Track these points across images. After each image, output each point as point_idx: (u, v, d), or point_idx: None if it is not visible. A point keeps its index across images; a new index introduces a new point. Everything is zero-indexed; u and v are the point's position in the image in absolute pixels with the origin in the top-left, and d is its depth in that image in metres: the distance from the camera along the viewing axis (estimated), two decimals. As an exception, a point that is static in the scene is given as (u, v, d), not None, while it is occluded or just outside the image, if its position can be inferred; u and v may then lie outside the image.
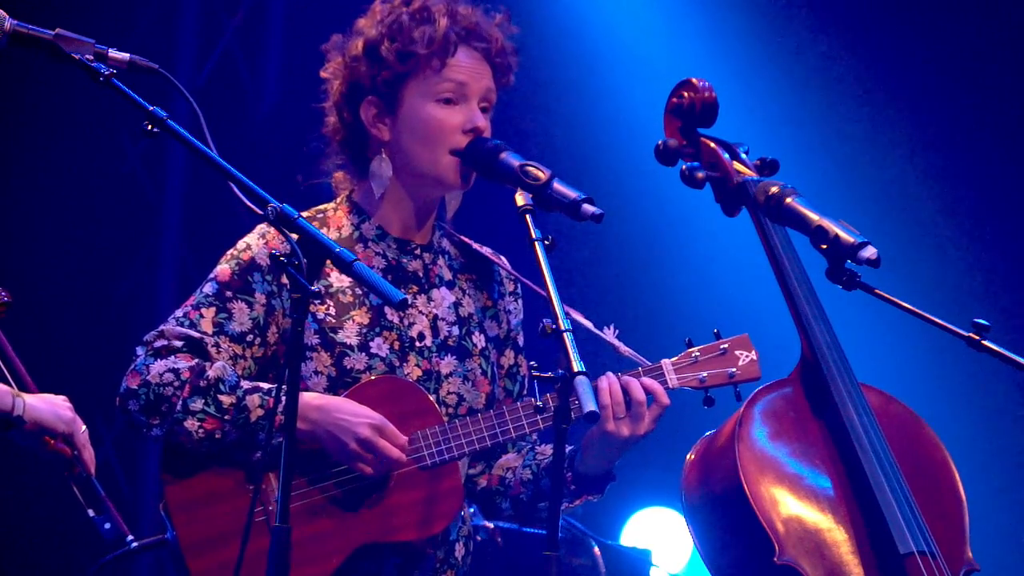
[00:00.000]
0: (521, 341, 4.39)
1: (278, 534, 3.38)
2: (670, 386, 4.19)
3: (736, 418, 4.03)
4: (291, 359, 3.43)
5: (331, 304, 4.13)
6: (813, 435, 4.04)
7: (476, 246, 4.36)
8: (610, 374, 4.11)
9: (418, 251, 4.25)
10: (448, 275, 4.29)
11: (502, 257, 4.38)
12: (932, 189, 8.30)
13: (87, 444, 3.76)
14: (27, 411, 3.66)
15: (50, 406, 3.74)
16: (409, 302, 4.17)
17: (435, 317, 4.22)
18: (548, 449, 4.31)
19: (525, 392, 4.35)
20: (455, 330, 4.24)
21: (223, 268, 4.13)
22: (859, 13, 8.34)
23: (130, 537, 3.57)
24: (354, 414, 4.01)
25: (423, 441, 4.07)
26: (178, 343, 4.05)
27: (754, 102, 8.08)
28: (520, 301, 4.40)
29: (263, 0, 8.33)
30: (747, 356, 4.25)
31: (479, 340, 4.27)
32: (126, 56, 3.58)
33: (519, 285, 4.39)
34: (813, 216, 3.89)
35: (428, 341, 4.19)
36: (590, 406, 3.60)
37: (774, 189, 3.98)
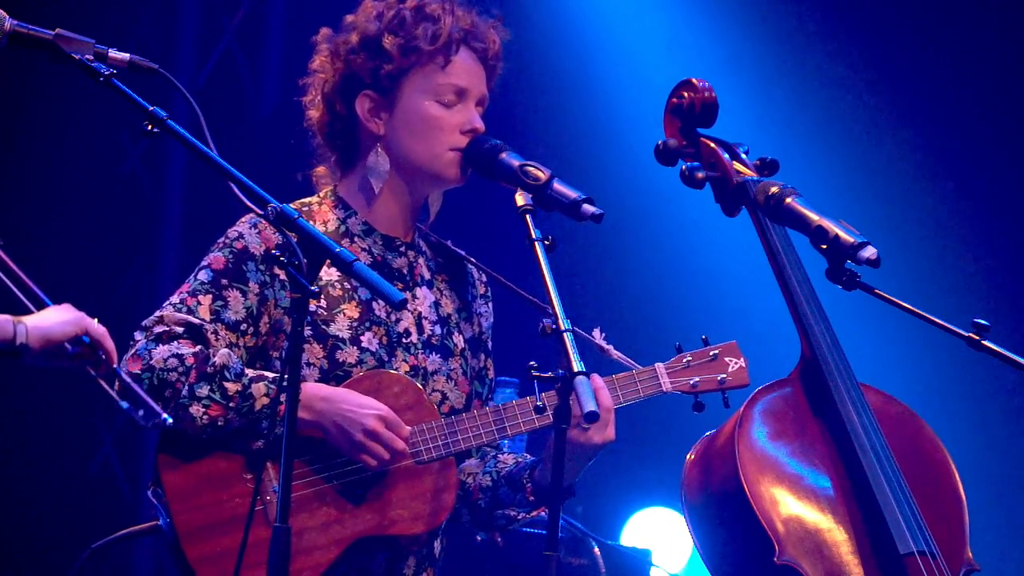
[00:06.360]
0: (491, 345, 4.38)
1: (278, 534, 3.37)
2: (664, 390, 4.19)
3: (736, 418, 4.03)
4: (291, 359, 3.42)
5: (322, 297, 4.12)
6: (813, 435, 4.04)
7: (452, 247, 4.35)
8: (596, 376, 4.06)
9: (403, 248, 4.25)
10: (427, 275, 4.28)
11: (473, 259, 4.37)
12: (932, 189, 8.30)
13: (105, 335, 3.47)
14: (30, 335, 3.38)
15: (53, 316, 3.45)
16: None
17: (419, 315, 4.22)
18: (510, 458, 4.30)
19: (491, 396, 4.34)
20: (437, 329, 4.23)
21: (216, 256, 4.10)
22: (860, 13, 8.34)
23: (165, 415, 3.42)
24: (361, 405, 4.01)
25: (420, 436, 4.07)
26: (179, 329, 4.03)
27: (754, 102, 8.08)
28: (490, 304, 4.40)
29: (263, 0, 8.33)
30: (736, 363, 4.26)
31: (459, 340, 4.27)
32: (126, 56, 3.57)
33: (489, 288, 4.39)
34: (813, 216, 3.89)
35: (414, 338, 4.19)
36: (590, 406, 3.60)
37: (774, 189, 3.98)
